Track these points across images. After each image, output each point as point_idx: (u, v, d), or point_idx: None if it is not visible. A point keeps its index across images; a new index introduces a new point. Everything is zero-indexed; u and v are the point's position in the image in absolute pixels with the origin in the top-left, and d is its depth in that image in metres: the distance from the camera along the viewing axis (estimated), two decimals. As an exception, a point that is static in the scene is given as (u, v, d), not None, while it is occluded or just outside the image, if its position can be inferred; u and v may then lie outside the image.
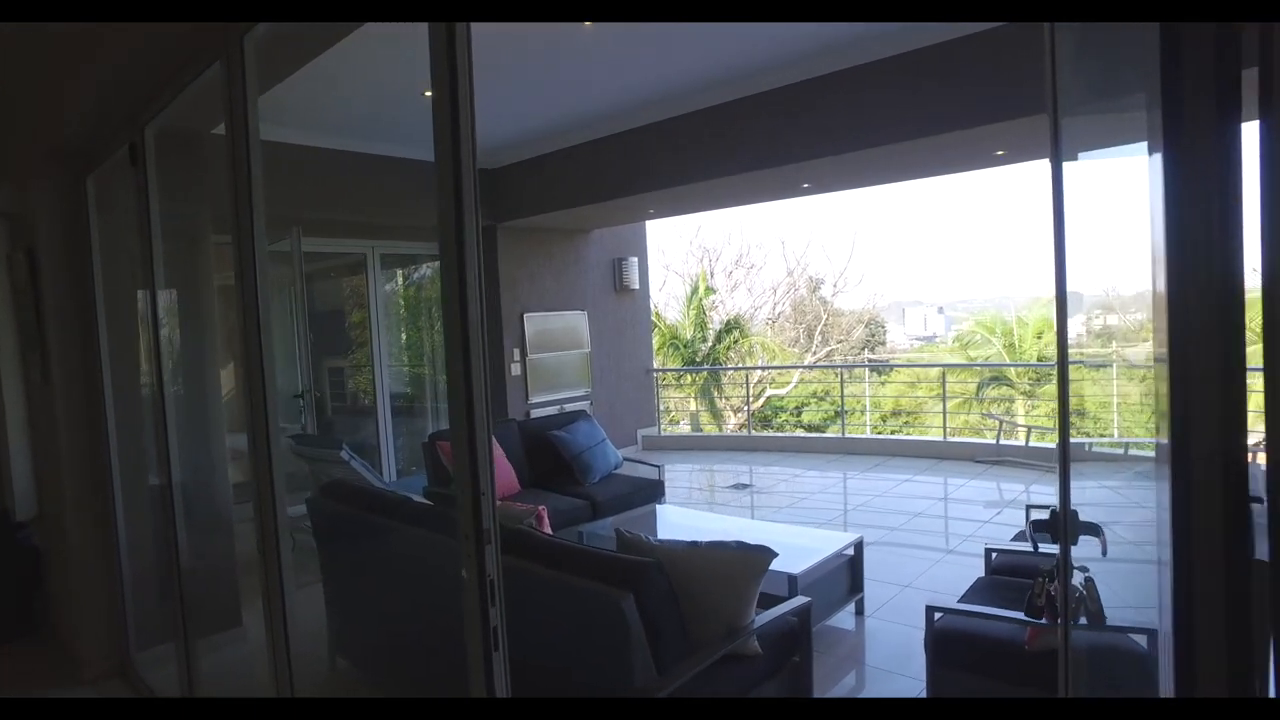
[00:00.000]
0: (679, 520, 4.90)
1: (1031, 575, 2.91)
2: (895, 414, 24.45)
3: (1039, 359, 21.46)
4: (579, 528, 4.49)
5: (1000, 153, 5.04)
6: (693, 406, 19.15)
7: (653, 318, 19.52)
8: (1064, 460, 1.64)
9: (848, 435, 8.51)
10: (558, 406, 8.25)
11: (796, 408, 25.07)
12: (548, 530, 2.84)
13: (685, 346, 18.92)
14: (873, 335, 28.75)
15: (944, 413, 8.16)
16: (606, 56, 4.85)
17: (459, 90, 1.49)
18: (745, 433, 9.17)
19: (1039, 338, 21.61)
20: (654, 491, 5.38)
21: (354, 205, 6.60)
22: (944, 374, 8.72)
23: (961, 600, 2.81)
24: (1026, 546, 3.05)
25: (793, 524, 5.64)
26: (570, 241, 8.46)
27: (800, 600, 2.70)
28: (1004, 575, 3.00)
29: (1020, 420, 18.21)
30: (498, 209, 7.62)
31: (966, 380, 20.88)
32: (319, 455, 5.35)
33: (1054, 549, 3.11)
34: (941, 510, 6.10)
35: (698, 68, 5.12)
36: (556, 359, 8.31)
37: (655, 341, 19.77)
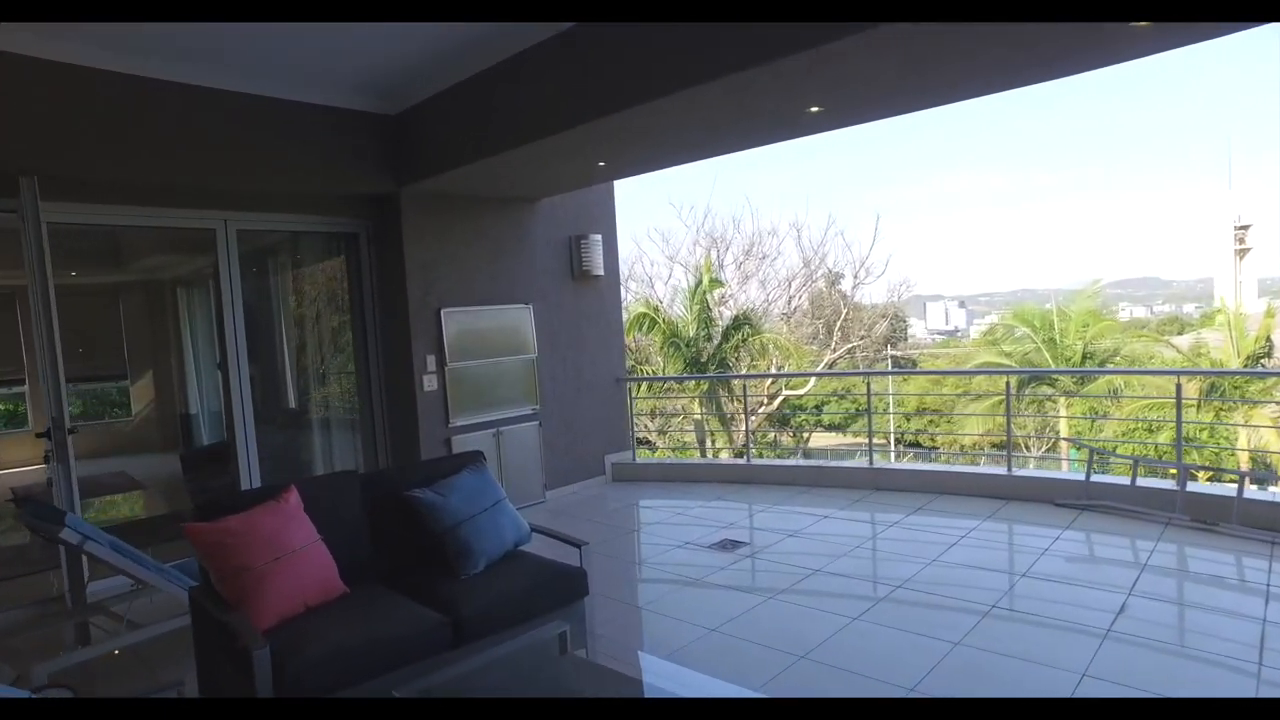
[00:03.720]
0: (595, 657, 2.89)
1: None
2: (920, 413, 22.31)
3: (1084, 356, 19.19)
4: (409, 690, 2.48)
5: (1143, 24, 2.95)
6: (698, 413, 17.07)
7: (651, 313, 17.55)
8: None
9: (876, 465, 6.44)
10: (494, 430, 6.30)
11: (816, 406, 22.89)
12: None
13: (687, 346, 16.86)
14: (895, 330, 26.51)
15: (1008, 437, 6.00)
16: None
17: None
18: (744, 460, 7.12)
19: (1084, 330, 19.35)
20: (570, 588, 3.36)
21: (170, 157, 4.65)
22: (1007, 384, 6.45)
23: None
24: None
25: (796, 651, 3.57)
26: (508, 214, 6.47)
27: None
28: None
29: (1062, 432, 15.96)
30: (400, 168, 5.65)
31: (993, 386, 18.64)
32: (41, 529, 3.41)
33: None
34: (1036, 591, 4.03)
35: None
36: (490, 368, 6.33)
37: (656, 340, 17.74)
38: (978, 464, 17.60)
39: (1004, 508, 5.53)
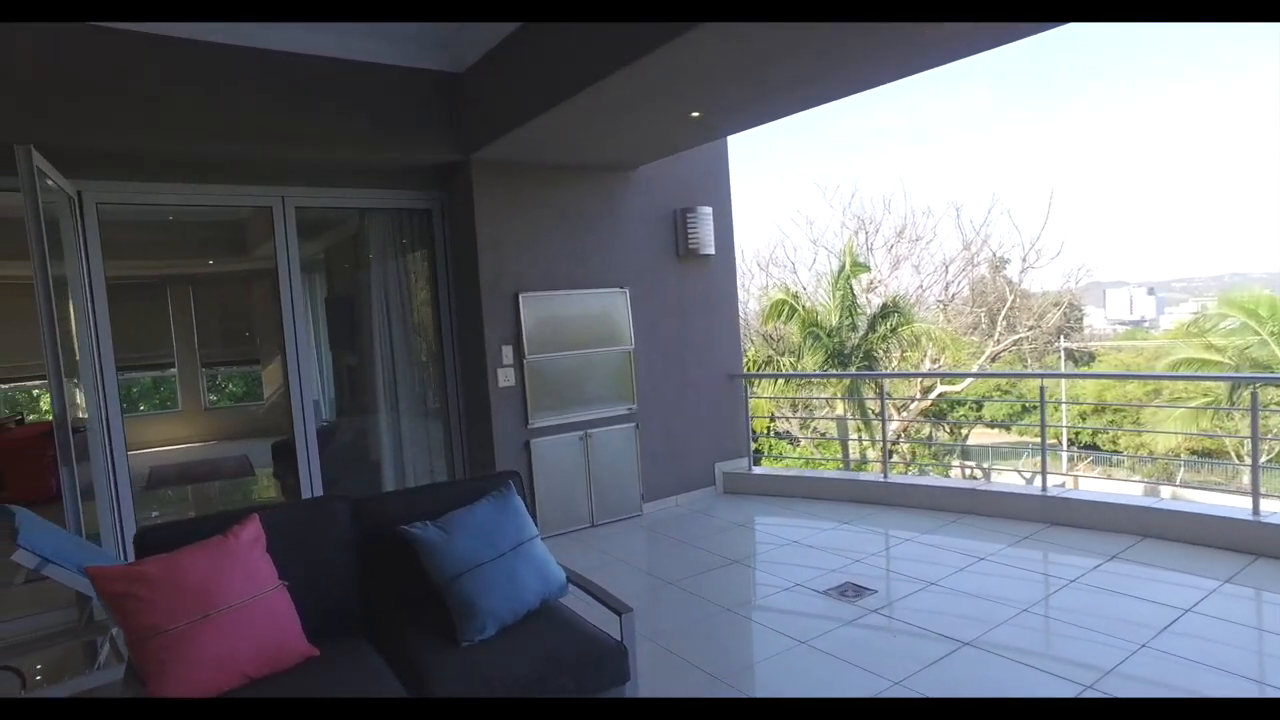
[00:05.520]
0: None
1: None
2: (1098, 411, 19.37)
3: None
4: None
5: None
6: (840, 411, 15.57)
7: (790, 300, 16.18)
8: None
9: (1051, 492, 5.03)
10: (581, 432, 5.51)
11: (977, 401, 20.47)
12: None
13: (829, 336, 15.41)
14: (1069, 320, 23.24)
15: (1254, 467, 4.36)
16: None
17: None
18: (881, 477, 5.89)
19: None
20: (604, 670, 2.45)
21: (205, 123, 4.16)
22: (1253, 394, 4.63)
23: None
24: None
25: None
26: (598, 184, 5.61)
27: None
28: None
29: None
30: (469, 133, 4.93)
31: (1193, 388, 15.58)
32: None
33: None
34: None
35: None
36: (577, 361, 5.52)
37: (795, 330, 16.35)
38: (1176, 484, 14.89)
39: (1250, 567, 4.01)
